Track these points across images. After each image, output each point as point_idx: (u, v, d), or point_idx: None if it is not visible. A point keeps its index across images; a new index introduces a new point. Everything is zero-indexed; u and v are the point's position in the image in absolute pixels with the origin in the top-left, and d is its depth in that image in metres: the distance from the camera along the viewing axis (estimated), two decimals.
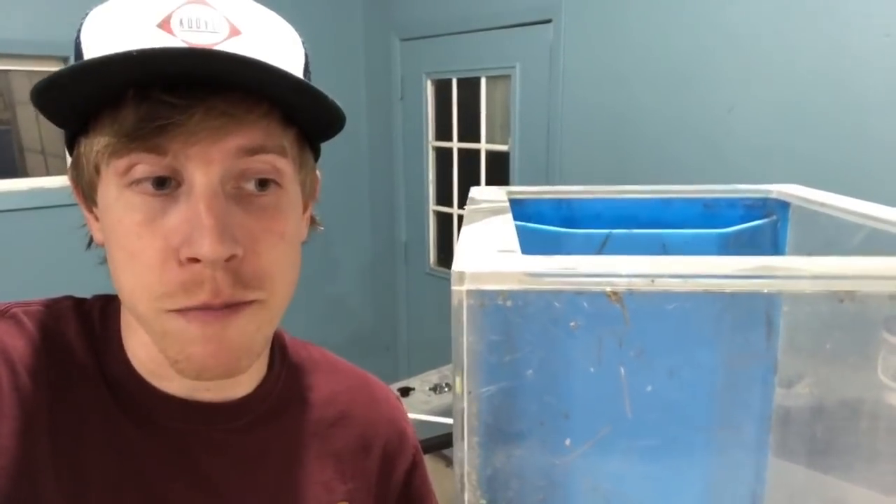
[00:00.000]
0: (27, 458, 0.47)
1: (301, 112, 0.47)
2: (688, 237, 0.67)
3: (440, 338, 3.32)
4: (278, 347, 0.61)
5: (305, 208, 0.55)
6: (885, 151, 1.79)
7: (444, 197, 3.32)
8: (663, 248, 0.66)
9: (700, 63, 2.15)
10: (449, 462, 3.18)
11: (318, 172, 0.57)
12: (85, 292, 0.57)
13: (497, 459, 0.37)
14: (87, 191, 0.48)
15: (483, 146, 3.05)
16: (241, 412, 0.56)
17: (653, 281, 0.33)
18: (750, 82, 2.04)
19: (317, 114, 0.48)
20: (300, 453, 0.59)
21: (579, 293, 0.34)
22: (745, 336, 0.42)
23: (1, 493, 0.45)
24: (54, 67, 2.66)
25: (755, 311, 0.41)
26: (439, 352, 2.73)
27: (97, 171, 0.46)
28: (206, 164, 0.43)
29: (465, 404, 0.35)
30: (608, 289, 0.33)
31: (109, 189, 0.45)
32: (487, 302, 0.34)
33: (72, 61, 0.47)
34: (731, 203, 0.70)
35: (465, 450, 0.36)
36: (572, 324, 0.35)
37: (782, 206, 0.68)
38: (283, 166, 0.47)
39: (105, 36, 0.44)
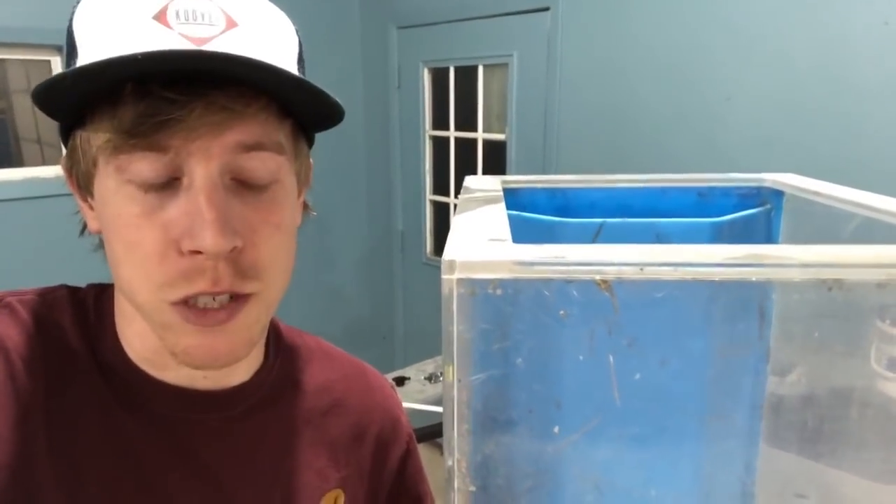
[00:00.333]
0: (23, 447, 0.47)
1: (299, 106, 0.48)
2: (682, 226, 0.67)
3: (436, 327, 3.29)
4: (273, 335, 0.61)
5: (299, 195, 0.55)
6: (883, 141, 1.79)
7: (440, 186, 3.31)
8: (657, 237, 0.67)
9: (697, 53, 2.15)
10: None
11: (310, 160, 0.57)
12: (80, 281, 0.58)
13: (487, 447, 0.37)
14: (83, 182, 0.48)
15: (480, 135, 3.04)
16: (237, 400, 0.56)
17: (642, 269, 0.33)
18: (747, 72, 2.03)
19: (315, 108, 0.48)
20: (295, 441, 0.59)
21: (569, 281, 0.34)
22: (737, 325, 0.42)
23: None
24: (49, 56, 2.64)
25: (747, 299, 0.41)
26: (435, 341, 2.72)
27: (95, 163, 0.46)
28: (206, 159, 0.44)
29: (455, 392, 0.35)
30: (597, 277, 0.33)
31: (108, 182, 0.45)
32: (478, 290, 0.34)
33: (64, 50, 0.47)
34: (725, 192, 0.70)
35: (454, 437, 0.36)
36: (562, 312, 0.35)
37: (776, 194, 0.68)
38: (280, 162, 0.48)
39: (99, 27, 0.44)
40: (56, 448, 0.48)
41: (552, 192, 0.70)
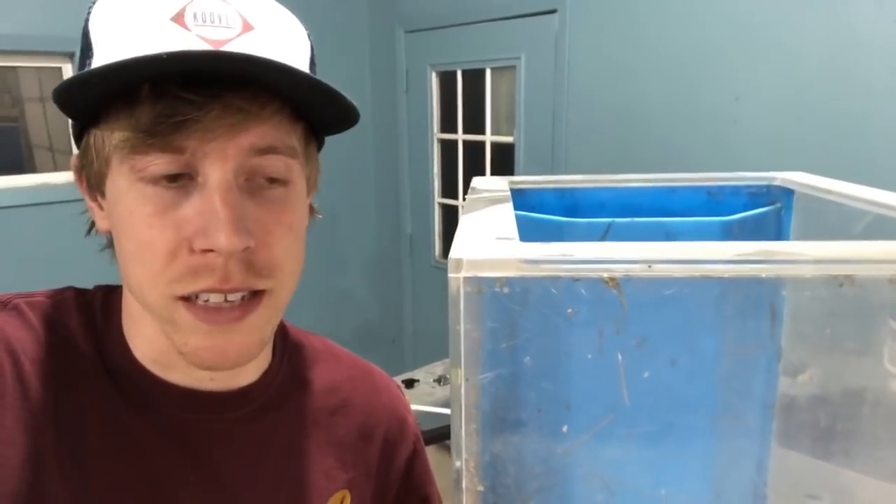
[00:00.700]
0: (31, 448, 0.47)
1: (313, 109, 0.48)
2: (691, 225, 0.66)
3: (445, 330, 3.30)
4: (280, 336, 0.61)
5: (307, 197, 0.55)
6: (894, 138, 1.78)
7: (449, 189, 3.31)
8: (666, 236, 0.66)
9: (705, 52, 2.14)
10: None
11: (320, 162, 0.57)
12: (91, 285, 0.58)
13: (495, 446, 0.37)
14: (94, 181, 0.49)
15: (488, 138, 3.04)
16: (244, 401, 0.56)
17: (650, 266, 0.33)
18: (756, 71, 2.02)
19: (331, 112, 0.49)
20: (302, 442, 0.59)
21: (576, 280, 0.34)
22: (748, 323, 0.42)
23: (6, 483, 0.46)
24: (62, 63, 2.66)
25: (757, 297, 0.40)
26: (444, 344, 2.71)
27: (108, 163, 0.46)
28: (221, 159, 0.44)
29: (463, 391, 0.35)
30: (605, 275, 0.33)
31: (121, 181, 0.46)
32: (485, 289, 0.34)
33: (79, 50, 0.47)
34: (735, 191, 0.70)
35: (462, 437, 0.36)
36: (570, 310, 0.35)
37: (786, 193, 0.68)
38: (293, 166, 0.48)
39: (116, 27, 0.44)
40: (63, 449, 0.48)
41: (560, 193, 0.70)
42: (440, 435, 1.80)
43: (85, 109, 0.46)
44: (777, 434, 0.51)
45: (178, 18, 0.44)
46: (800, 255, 0.34)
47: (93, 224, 0.53)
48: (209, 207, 0.44)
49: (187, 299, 0.46)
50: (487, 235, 0.39)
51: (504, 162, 2.95)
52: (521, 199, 0.65)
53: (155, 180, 0.44)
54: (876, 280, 0.34)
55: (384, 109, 3.41)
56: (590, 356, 0.37)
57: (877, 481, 0.46)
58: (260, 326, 0.49)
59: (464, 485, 0.37)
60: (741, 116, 2.08)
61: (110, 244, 0.51)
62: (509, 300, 0.34)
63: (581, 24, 2.48)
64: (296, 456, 0.59)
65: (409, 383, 2.34)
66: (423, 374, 2.44)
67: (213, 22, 0.44)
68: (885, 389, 0.42)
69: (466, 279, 0.34)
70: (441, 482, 0.73)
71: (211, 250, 0.44)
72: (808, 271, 0.34)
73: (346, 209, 3.51)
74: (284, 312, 0.53)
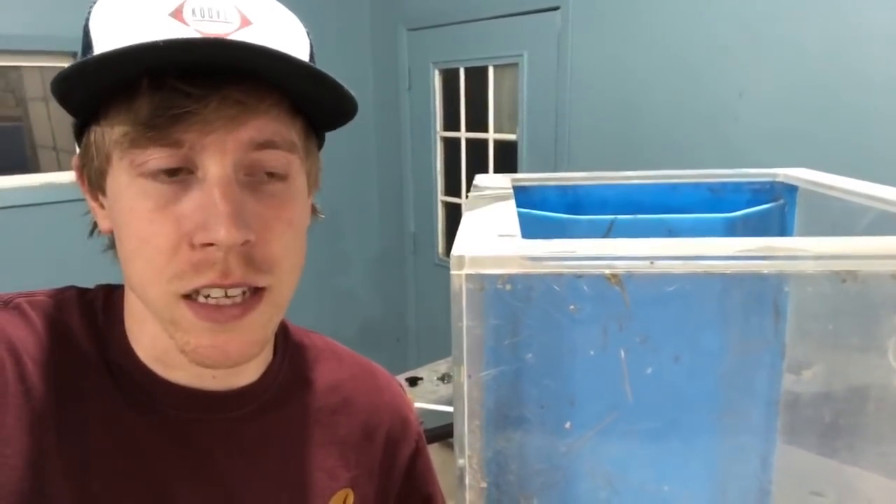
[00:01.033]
0: (33, 447, 0.47)
1: (313, 102, 0.48)
2: (694, 222, 0.66)
3: (449, 328, 3.30)
4: (281, 335, 0.61)
5: (308, 195, 0.55)
6: None
7: (452, 187, 3.31)
8: (669, 233, 0.66)
9: (708, 48, 2.13)
10: None
11: (320, 160, 0.57)
12: (95, 285, 0.58)
13: (498, 443, 0.37)
14: (95, 179, 0.49)
15: (491, 136, 3.04)
16: (245, 400, 0.56)
17: (652, 263, 0.33)
18: (759, 68, 2.02)
19: (330, 103, 0.49)
20: (304, 440, 0.59)
21: (579, 276, 0.34)
22: (750, 319, 0.42)
23: (8, 483, 0.46)
24: (65, 63, 2.67)
25: (760, 294, 0.40)
26: (448, 342, 2.71)
27: (108, 159, 0.46)
28: (220, 153, 0.44)
29: (466, 388, 0.35)
30: (607, 271, 0.33)
31: (121, 177, 0.46)
32: (487, 286, 0.34)
33: (80, 48, 0.47)
34: (738, 187, 0.70)
35: (465, 434, 0.36)
36: (572, 307, 0.35)
37: (790, 189, 0.68)
38: (292, 160, 0.48)
39: (116, 24, 0.44)
40: (65, 448, 0.49)
41: (563, 190, 0.70)
42: (444, 433, 1.80)
43: (85, 104, 0.46)
44: (781, 431, 0.51)
45: (177, 14, 0.44)
46: (802, 251, 0.34)
47: (95, 226, 0.53)
48: (209, 201, 0.44)
49: (189, 297, 0.46)
50: (490, 232, 0.39)
51: (507, 159, 2.95)
52: (523, 196, 0.65)
53: (154, 175, 0.44)
54: (879, 276, 0.34)
55: (387, 107, 3.41)
56: (592, 353, 0.37)
57: (881, 478, 0.46)
58: (261, 324, 0.49)
59: (467, 481, 0.37)
60: (744, 113, 2.07)
61: (113, 245, 0.51)
62: (512, 297, 0.34)
63: (584, 21, 2.47)
64: (298, 455, 0.59)
65: (413, 381, 2.34)
66: (427, 373, 2.44)
67: (211, 17, 0.45)
68: (890, 385, 0.42)
69: (469, 276, 0.34)
70: (445, 480, 0.73)
71: (211, 244, 0.44)
72: (810, 267, 0.34)
73: (349, 207, 3.51)
74: (287, 311, 0.53)
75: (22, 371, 0.49)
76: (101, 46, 0.44)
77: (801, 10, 1.91)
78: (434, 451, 0.74)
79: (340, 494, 0.61)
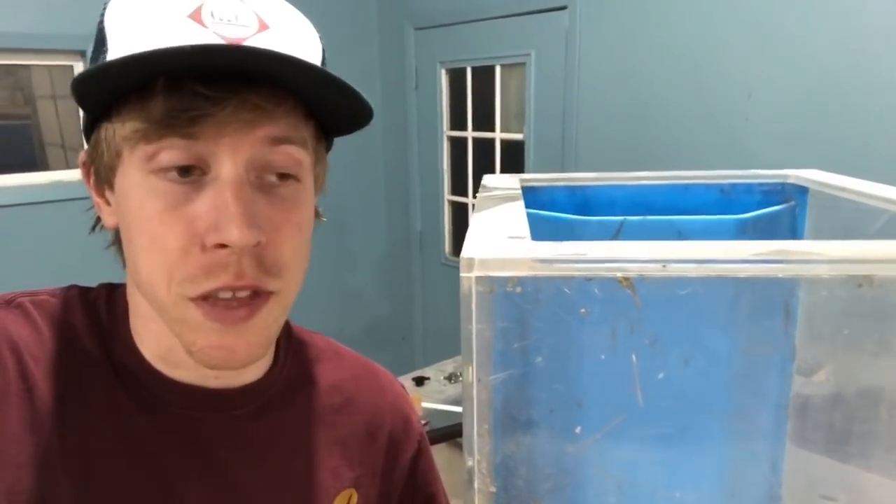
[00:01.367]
0: (37, 446, 0.47)
1: (329, 108, 0.48)
2: (704, 224, 0.66)
3: (455, 328, 3.29)
4: (284, 335, 0.61)
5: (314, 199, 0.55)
6: None
7: (459, 187, 3.31)
8: (679, 234, 0.66)
9: (717, 48, 2.12)
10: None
11: (327, 164, 0.57)
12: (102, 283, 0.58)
13: (507, 447, 0.37)
14: (103, 175, 0.49)
15: (498, 135, 3.03)
16: (249, 398, 0.56)
17: (664, 266, 0.33)
18: (768, 68, 2.00)
19: (346, 110, 0.49)
20: (308, 440, 0.59)
21: (590, 279, 0.33)
22: (762, 323, 0.41)
23: (12, 481, 0.46)
24: (73, 62, 2.68)
25: (772, 297, 0.40)
26: (454, 341, 2.72)
27: (119, 155, 0.46)
28: (234, 154, 0.44)
29: (475, 391, 0.35)
30: (619, 274, 0.33)
31: (131, 174, 0.46)
32: (497, 288, 0.34)
33: (92, 45, 0.47)
34: (749, 189, 0.69)
35: (474, 437, 0.35)
36: (583, 310, 0.34)
37: (801, 191, 0.67)
38: (304, 158, 0.48)
39: (133, 23, 0.44)
40: (69, 447, 0.49)
41: (572, 191, 0.69)
42: (451, 433, 1.79)
43: (98, 102, 0.46)
44: (791, 434, 0.51)
45: (196, 16, 0.44)
46: (817, 254, 0.33)
47: (97, 221, 0.53)
48: (221, 202, 0.44)
49: (197, 298, 0.46)
50: (499, 234, 0.38)
51: (514, 159, 2.94)
52: (531, 196, 0.65)
53: (166, 173, 0.44)
54: (895, 281, 0.34)
55: (394, 107, 3.41)
56: (603, 356, 0.37)
57: (893, 482, 0.45)
58: (267, 325, 0.49)
59: (476, 485, 0.36)
60: (753, 113, 2.06)
61: (116, 241, 0.51)
62: (521, 300, 0.34)
63: (591, 21, 2.46)
64: (302, 454, 0.59)
65: (420, 381, 2.34)
66: (434, 372, 2.43)
67: (229, 20, 0.45)
68: None
69: (478, 279, 0.33)
70: (453, 480, 0.73)
71: (223, 246, 0.44)
72: (826, 271, 0.33)
73: (356, 207, 3.51)
74: (293, 310, 0.53)
75: (25, 370, 0.49)
76: (116, 45, 0.44)
77: (810, 9, 1.89)
78: (441, 451, 0.74)
79: (344, 494, 0.61)
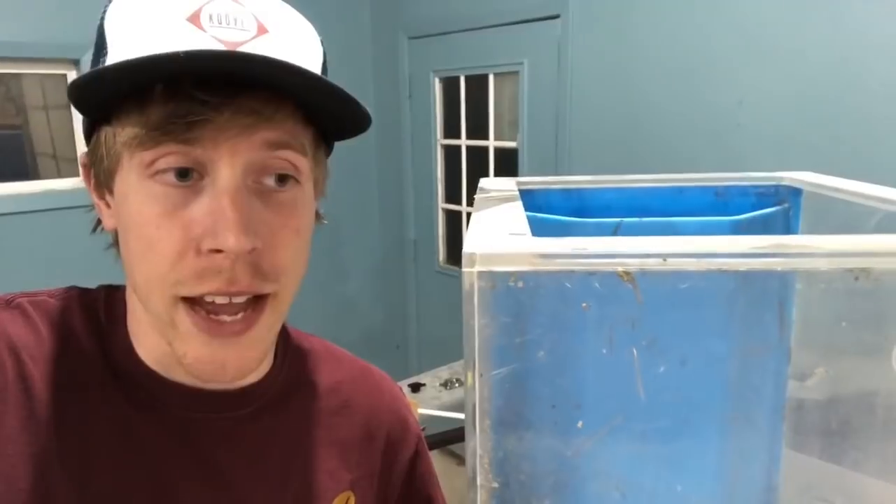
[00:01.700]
0: (35, 447, 0.47)
1: (327, 113, 0.48)
2: (699, 225, 0.66)
3: (450, 335, 3.31)
4: (282, 338, 0.61)
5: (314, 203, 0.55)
6: None
7: (453, 195, 3.31)
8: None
9: (708, 56, 2.14)
10: (460, 460, 3.17)
11: (327, 168, 0.57)
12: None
13: (509, 443, 0.37)
14: (103, 178, 0.49)
15: (492, 143, 3.05)
16: (247, 400, 0.56)
17: (665, 260, 0.33)
18: (759, 75, 2.02)
19: (345, 116, 0.49)
20: (306, 441, 0.59)
21: (591, 274, 0.33)
22: (763, 317, 0.42)
23: (9, 482, 0.46)
24: (66, 70, 2.68)
25: (769, 293, 0.40)
26: (449, 349, 2.72)
27: (118, 159, 0.46)
28: (232, 159, 0.44)
29: (477, 387, 0.35)
30: (620, 268, 0.33)
31: (130, 178, 0.46)
32: (498, 283, 0.34)
33: (93, 49, 0.47)
34: (743, 191, 0.70)
35: (476, 433, 0.35)
36: (584, 305, 0.35)
37: (794, 193, 0.68)
38: (302, 163, 0.48)
39: (132, 26, 0.44)
40: (67, 448, 0.48)
41: (567, 193, 0.70)
42: (445, 439, 1.79)
43: (97, 107, 0.46)
44: (788, 434, 0.51)
45: (194, 19, 0.44)
46: (816, 248, 0.34)
47: (98, 222, 0.53)
48: (218, 208, 0.44)
49: (190, 301, 0.46)
50: (500, 231, 0.39)
51: (508, 167, 2.95)
52: (528, 199, 0.65)
53: (164, 178, 0.44)
54: (892, 273, 0.34)
55: (388, 115, 3.42)
56: (604, 351, 0.37)
57: (889, 484, 0.46)
58: (262, 338, 0.49)
59: (478, 482, 0.36)
60: (745, 120, 2.07)
61: (115, 243, 0.51)
62: (523, 295, 0.34)
63: (584, 30, 2.48)
64: (300, 456, 0.59)
65: (416, 387, 2.34)
66: (430, 379, 2.43)
67: (228, 24, 0.45)
68: (894, 392, 0.42)
69: (480, 273, 0.34)
70: (448, 489, 0.72)
71: (219, 251, 0.44)
72: (824, 264, 0.34)
73: (350, 215, 3.51)
74: (288, 318, 0.53)
75: (23, 370, 0.48)
76: (116, 49, 0.45)
77: (801, 17, 1.91)
78: (437, 458, 0.74)
79: (342, 497, 0.60)
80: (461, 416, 2.11)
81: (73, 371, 0.51)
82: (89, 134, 0.49)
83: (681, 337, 0.39)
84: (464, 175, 3.21)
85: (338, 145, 0.56)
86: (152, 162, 0.44)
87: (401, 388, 0.72)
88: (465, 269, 0.33)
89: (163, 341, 0.49)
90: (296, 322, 0.60)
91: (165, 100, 0.42)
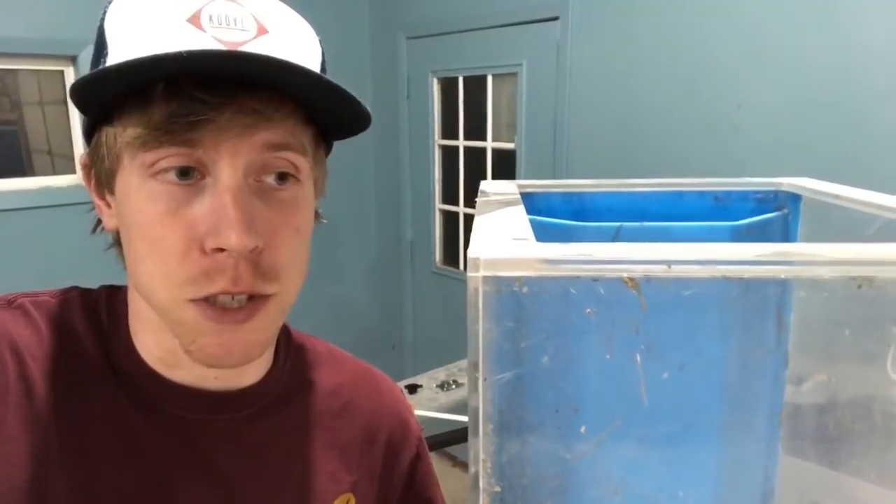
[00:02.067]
0: (35, 446, 0.47)
1: (328, 113, 0.49)
2: (699, 230, 0.66)
3: (446, 336, 3.31)
4: (283, 338, 0.61)
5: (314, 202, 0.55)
6: None
7: (450, 196, 3.31)
8: (674, 241, 0.66)
9: (707, 59, 2.14)
10: (455, 461, 3.17)
11: (327, 168, 0.57)
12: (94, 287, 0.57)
13: (512, 447, 0.37)
14: (104, 178, 0.49)
15: (489, 144, 3.05)
16: (247, 401, 0.56)
17: (669, 266, 0.33)
18: (758, 78, 2.03)
19: (345, 116, 0.49)
20: (306, 443, 0.59)
21: (595, 279, 0.34)
22: (759, 324, 0.42)
23: (9, 481, 0.46)
24: (63, 67, 2.67)
25: (771, 299, 0.40)
26: (446, 350, 2.72)
27: (119, 160, 0.46)
28: (233, 159, 0.44)
29: (480, 391, 0.35)
30: (625, 275, 0.33)
31: (131, 178, 0.46)
32: (503, 288, 0.34)
33: (93, 48, 0.47)
34: (743, 196, 0.70)
35: (479, 437, 0.35)
36: (588, 310, 0.35)
37: (794, 198, 0.68)
38: (303, 164, 0.49)
39: (132, 26, 0.45)
40: (67, 448, 0.48)
41: (568, 197, 0.70)
42: (442, 441, 1.79)
43: (98, 107, 0.46)
44: (784, 440, 0.51)
45: (194, 20, 0.44)
46: (819, 256, 0.34)
47: (99, 222, 0.53)
48: (220, 206, 0.44)
49: (196, 300, 0.46)
50: (504, 236, 0.39)
51: (505, 168, 2.95)
52: (528, 202, 0.65)
53: (166, 177, 0.44)
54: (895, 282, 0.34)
55: (385, 115, 3.42)
56: (608, 357, 0.37)
57: (886, 490, 0.46)
58: (266, 326, 0.49)
59: (481, 485, 0.36)
60: (743, 124, 2.08)
61: (116, 243, 0.51)
62: (528, 300, 0.34)
63: (583, 32, 2.49)
64: (300, 457, 0.59)
65: (413, 389, 2.33)
66: (426, 380, 2.43)
67: (228, 24, 0.45)
68: (891, 398, 0.42)
69: (485, 278, 0.34)
70: (444, 490, 0.72)
71: (222, 250, 0.44)
72: (827, 273, 0.34)
73: (347, 215, 3.51)
74: (286, 319, 0.53)
75: (24, 370, 0.48)
76: (116, 49, 0.45)
77: (799, 22, 1.92)
78: (433, 460, 0.74)
79: (342, 498, 0.60)
80: (459, 418, 2.10)
81: (75, 371, 0.51)
82: (90, 134, 0.49)
83: (681, 342, 0.39)
84: (461, 176, 3.21)
85: (335, 145, 0.56)
86: (154, 162, 0.44)
87: (402, 390, 0.72)
88: (470, 274, 0.34)
89: (165, 339, 0.50)
90: (292, 322, 0.60)
91: (167, 100, 0.42)
